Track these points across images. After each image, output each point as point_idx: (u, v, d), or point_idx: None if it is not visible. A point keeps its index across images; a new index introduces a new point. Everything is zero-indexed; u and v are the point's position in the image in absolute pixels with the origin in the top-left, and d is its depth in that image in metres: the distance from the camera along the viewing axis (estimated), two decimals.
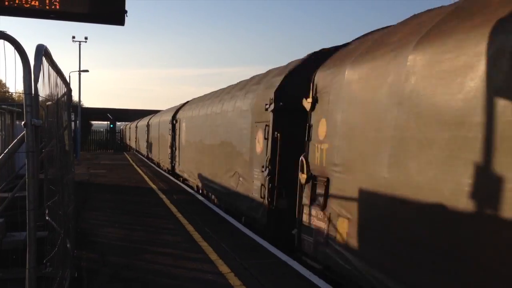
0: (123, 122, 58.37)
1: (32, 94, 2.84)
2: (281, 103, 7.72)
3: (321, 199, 5.79)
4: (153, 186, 15.49)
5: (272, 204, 7.82)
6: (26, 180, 2.96)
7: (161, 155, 22.46)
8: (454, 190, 3.56)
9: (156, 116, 26.45)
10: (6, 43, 2.77)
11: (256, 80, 10.05)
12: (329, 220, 5.59)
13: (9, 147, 3.31)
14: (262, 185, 8.13)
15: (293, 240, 6.58)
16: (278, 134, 7.73)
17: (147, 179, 17.76)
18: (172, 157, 18.87)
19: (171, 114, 19.63)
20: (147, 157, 29.12)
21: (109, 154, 39.85)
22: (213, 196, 12.35)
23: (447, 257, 3.64)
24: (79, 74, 31.35)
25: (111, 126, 52.80)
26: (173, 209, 10.85)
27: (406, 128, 4.19)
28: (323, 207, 5.72)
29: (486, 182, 3.30)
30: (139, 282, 5.61)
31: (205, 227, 8.81)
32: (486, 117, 3.32)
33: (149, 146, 27.65)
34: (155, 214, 10.24)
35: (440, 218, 3.71)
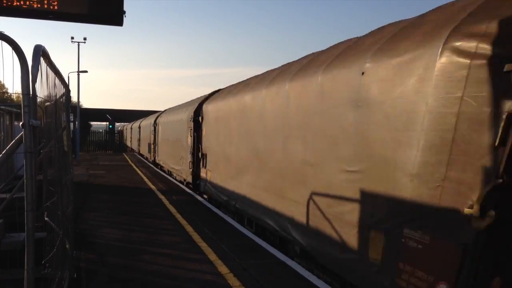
0: (122, 123, 58.33)
1: (30, 94, 2.84)
2: (196, 118, 13.91)
3: (205, 164, 12.65)
4: (152, 187, 15.48)
5: (193, 171, 14.21)
6: (24, 181, 2.95)
7: (147, 151, 28.93)
8: (231, 150, 9.97)
9: (145, 120, 32.56)
10: (4, 43, 2.77)
11: (191, 101, 16.67)
12: (206, 172, 12.48)
13: (7, 147, 3.31)
14: (190, 161, 14.50)
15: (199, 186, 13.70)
16: (195, 134, 13.91)
17: (146, 179, 17.75)
18: (154, 151, 25.17)
19: (153, 119, 25.91)
20: (139, 153, 35.68)
21: (108, 155, 39.82)
22: (174, 174, 18.73)
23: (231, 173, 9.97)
24: (78, 75, 31.34)
25: (110, 126, 52.75)
26: (172, 209, 10.85)
27: (223, 132, 10.83)
28: (205, 167, 12.61)
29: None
30: (138, 283, 5.60)
31: (204, 227, 8.81)
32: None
33: (140, 144, 34.28)
34: (154, 215, 10.24)
35: (230, 161, 10.08)
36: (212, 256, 6.78)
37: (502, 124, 3.21)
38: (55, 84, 4.55)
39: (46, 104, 4.60)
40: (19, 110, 2.91)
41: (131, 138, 44.08)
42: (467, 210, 3.36)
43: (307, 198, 6.11)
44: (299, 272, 6.09)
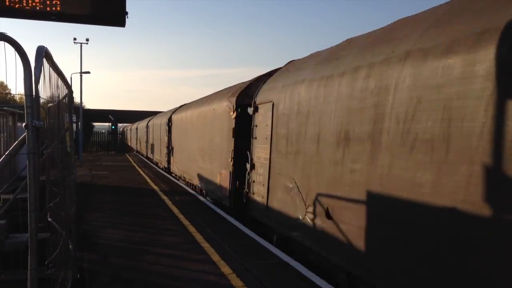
0: (125, 124, 58.42)
1: (32, 95, 2.84)
2: (169, 123, 20.30)
3: (172, 153, 19.33)
4: (155, 187, 15.50)
5: (167, 160, 20.55)
6: (28, 181, 2.96)
7: (142, 148, 35.34)
8: (182, 144, 17.31)
9: (141, 123, 38.37)
10: (7, 44, 2.77)
11: (167, 112, 23.94)
12: (173, 159, 19.33)
13: (10, 148, 3.32)
14: (166, 153, 21.04)
15: (170, 169, 20.33)
16: (170, 134, 20.21)
17: (149, 180, 17.78)
18: (147, 148, 31.60)
19: (146, 122, 32.20)
20: (137, 151, 41.35)
21: (111, 155, 39.90)
22: (158, 163, 24.74)
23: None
24: (81, 76, 31.43)
25: (113, 127, 52.80)
26: (175, 210, 10.86)
27: (180, 133, 17.98)
28: (173, 155, 19.31)
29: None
30: (141, 283, 5.61)
31: (207, 228, 8.81)
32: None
33: (137, 143, 40.21)
34: (157, 215, 10.25)
35: (182, 151, 17.24)
36: (215, 257, 6.78)
37: (232, 128, 10.01)
38: (57, 85, 4.56)
39: (49, 105, 4.61)
40: (22, 111, 2.92)
41: (131, 138, 48.43)
42: (230, 161, 10.01)
43: (203, 165, 13.21)
44: (302, 272, 6.09)
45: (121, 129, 59.98)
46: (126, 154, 41.24)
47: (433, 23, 4.46)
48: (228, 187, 10.17)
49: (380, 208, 4.66)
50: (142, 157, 33.51)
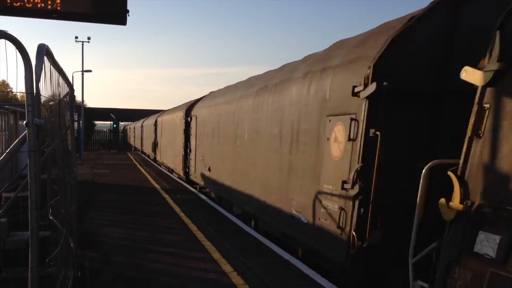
0: (126, 122, 58.48)
1: (33, 93, 2.84)
2: (155, 124, 27.16)
3: (158, 147, 26.05)
4: (157, 185, 15.52)
5: (155, 152, 27.65)
6: (28, 179, 2.96)
7: (139, 144, 40.32)
8: (163, 141, 24.34)
9: (137, 123, 43.16)
10: (8, 42, 2.77)
11: (155, 115, 30.42)
12: (158, 151, 25.90)
13: (11, 146, 3.32)
14: (154, 147, 27.84)
15: (156, 159, 27.51)
16: (156, 132, 26.73)
17: (150, 178, 17.79)
18: (142, 144, 37.26)
19: (142, 122, 37.65)
20: (134, 147, 45.60)
21: (112, 154, 39.95)
22: (150, 156, 30.54)
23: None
24: (82, 74, 31.43)
25: (114, 126, 52.85)
26: (176, 208, 10.87)
27: (162, 132, 24.41)
28: (158, 148, 26.23)
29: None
30: (142, 281, 5.62)
31: (208, 226, 8.82)
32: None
33: (135, 140, 44.36)
34: (158, 214, 10.26)
35: (163, 146, 24.24)
36: (216, 255, 6.79)
37: (183, 129, 17.05)
38: (59, 83, 4.56)
39: (50, 103, 4.61)
40: (23, 110, 2.91)
41: (130, 136, 52.01)
42: (182, 149, 17.00)
43: (173, 153, 19.14)
44: (303, 270, 6.09)
45: (122, 127, 60.05)
46: (128, 152, 41.27)
47: (222, 93, 12.72)
48: (181, 165, 16.99)
49: (216, 163, 11.81)
50: (143, 156, 34.49)
